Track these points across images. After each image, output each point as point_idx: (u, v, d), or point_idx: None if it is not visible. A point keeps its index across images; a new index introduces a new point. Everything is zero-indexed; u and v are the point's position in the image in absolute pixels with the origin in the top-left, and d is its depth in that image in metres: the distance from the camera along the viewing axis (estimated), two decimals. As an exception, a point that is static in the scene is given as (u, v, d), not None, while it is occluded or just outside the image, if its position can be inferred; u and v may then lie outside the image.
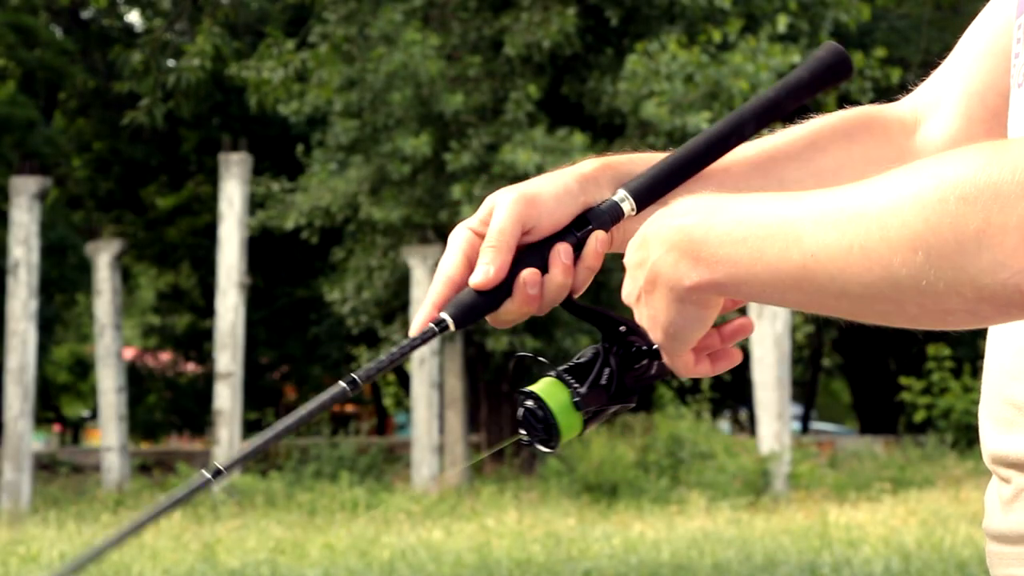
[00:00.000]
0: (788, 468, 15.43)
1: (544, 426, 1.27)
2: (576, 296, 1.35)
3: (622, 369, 1.30)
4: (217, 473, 1.20)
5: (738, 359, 1.30)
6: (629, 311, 1.25)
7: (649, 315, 1.19)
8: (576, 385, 1.27)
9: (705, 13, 17.59)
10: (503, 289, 1.30)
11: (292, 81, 18.00)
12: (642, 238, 1.18)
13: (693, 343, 1.21)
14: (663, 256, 1.14)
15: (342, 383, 1.24)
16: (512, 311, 1.32)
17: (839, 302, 1.06)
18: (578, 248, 1.33)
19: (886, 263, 1.01)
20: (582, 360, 1.31)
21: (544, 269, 1.32)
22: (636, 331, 1.30)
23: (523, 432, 1.29)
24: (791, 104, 1.39)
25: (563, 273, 1.32)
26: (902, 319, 1.06)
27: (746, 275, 1.09)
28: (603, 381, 1.29)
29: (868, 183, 1.06)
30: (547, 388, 1.28)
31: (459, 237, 1.33)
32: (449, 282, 1.32)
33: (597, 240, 1.33)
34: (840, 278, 1.04)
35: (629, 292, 1.21)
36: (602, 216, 1.34)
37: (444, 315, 1.29)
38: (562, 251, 1.32)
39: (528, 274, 1.31)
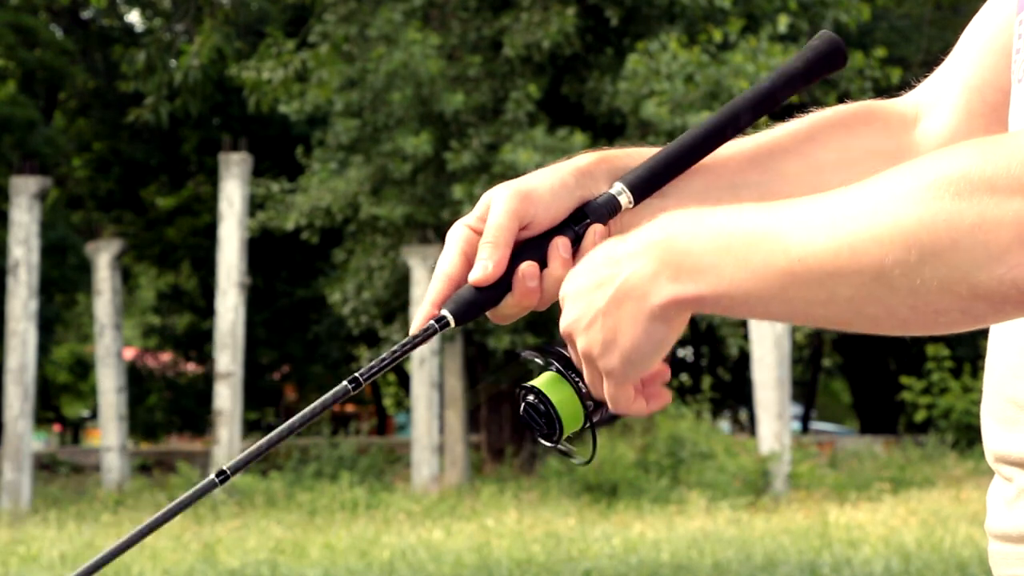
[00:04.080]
0: (788, 468, 15.43)
1: (546, 420, 1.28)
2: None
3: None
4: (222, 475, 1.22)
5: (668, 400, 1.25)
6: None
7: (604, 339, 1.15)
8: (578, 379, 1.27)
9: (705, 13, 17.59)
10: (502, 284, 1.31)
11: (292, 81, 18.00)
12: (607, 256, 1.14)
13: (649, 369, 1.17)
14: (639, 270, 1.11)
15: (345, 383, 1.26)
16: (512, 306, 1.32)
17: (826, 309, 1.04)
18: (576, 242, 1.33)
19: (877, 263, 1.00)
20: None
21: (543, 263, 1.32)
22: None
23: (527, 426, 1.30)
24: (786, 94, 1.38)
25: (562, 266, 1.31)
26: (891, 323, 1.03)
27: (729, 285, 1.07)
28: None
29: (857, 185, 1.04)
30: (549, 382, 1.28)
31: (457, 234, 1.33)
32: (448, 279, 1.31)
33: (595, 234, 1.33)
34: (828, 283, 1.02)
35: (579, 317, 1.16)
36: (599, 210, 1.34)
37: (444, 312, 1.30)
38: (560, 245, 1.32)
39: (527, 267, 1.30)
